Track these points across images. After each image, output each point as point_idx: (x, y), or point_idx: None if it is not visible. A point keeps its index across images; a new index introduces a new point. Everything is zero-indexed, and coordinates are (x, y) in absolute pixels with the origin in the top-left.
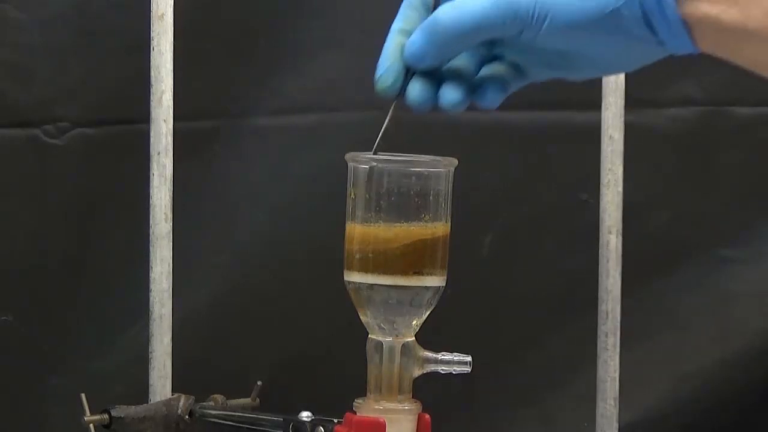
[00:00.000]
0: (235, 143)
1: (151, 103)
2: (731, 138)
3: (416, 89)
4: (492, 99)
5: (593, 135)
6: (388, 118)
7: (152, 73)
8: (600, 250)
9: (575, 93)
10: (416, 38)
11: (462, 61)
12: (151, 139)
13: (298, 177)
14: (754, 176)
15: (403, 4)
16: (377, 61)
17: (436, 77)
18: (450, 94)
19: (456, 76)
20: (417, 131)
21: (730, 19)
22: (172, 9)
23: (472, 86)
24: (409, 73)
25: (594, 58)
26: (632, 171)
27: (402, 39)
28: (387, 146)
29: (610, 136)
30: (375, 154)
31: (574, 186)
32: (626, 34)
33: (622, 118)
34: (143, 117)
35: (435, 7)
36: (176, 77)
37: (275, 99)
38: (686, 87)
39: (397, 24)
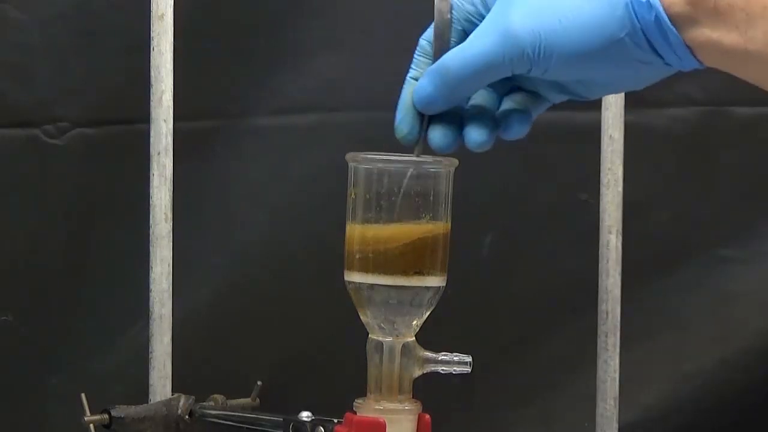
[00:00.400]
0: (235, 143)
1: (151, 103)
2: (731, 138)
3: (437, 134)
4: (518, 131)
5: (593, 135)
6: (415, 154)
7: (152, 73)
8: (600, 250)
9: None
10: (424, 83)
11: (482, 98)
12: (151, 139)
13: (298, 177)
14: (754, 176)
15: (416, 51)
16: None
17: (457, 117)
18: (475, 136)
19: (478, 115)
20: None
21: (731, 43)
22: (172, 9)
23: (496, 120)
24: (425, 117)
25: (606, 82)
26: (632, 171)
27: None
28: (388, 146)
29: (610, 136)
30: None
31: (574, 186)
32: (633, 60)
33: (622, 118)
34: (143, 117)
35: (438, 52)
36: (176, 77)
37: (275, 99)
38: (686, 87)
39: (411, 72)
